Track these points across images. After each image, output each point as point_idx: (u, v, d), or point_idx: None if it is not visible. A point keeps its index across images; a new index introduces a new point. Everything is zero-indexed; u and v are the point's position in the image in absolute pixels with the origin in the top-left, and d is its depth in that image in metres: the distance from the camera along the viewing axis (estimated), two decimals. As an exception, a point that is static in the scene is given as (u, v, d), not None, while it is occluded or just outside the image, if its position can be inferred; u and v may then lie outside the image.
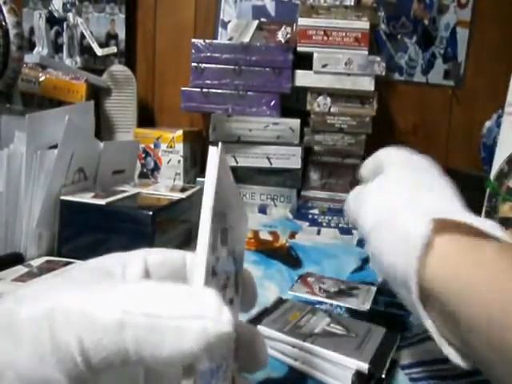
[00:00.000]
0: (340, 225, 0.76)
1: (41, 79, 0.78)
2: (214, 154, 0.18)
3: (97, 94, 0.88)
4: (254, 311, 0.39)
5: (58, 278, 0.18)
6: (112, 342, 0.14)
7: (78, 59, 0.92)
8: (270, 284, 0.48)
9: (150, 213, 0.48)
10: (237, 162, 0.80)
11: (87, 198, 0.49)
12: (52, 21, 0.90)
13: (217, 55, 0.78)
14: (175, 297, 0.15)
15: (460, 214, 0.26)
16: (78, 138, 0.49)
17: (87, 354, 0.14)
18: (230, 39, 0.87)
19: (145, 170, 0.83)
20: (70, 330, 0.15)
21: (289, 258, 0.57)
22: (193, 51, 0.79)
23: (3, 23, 0.59)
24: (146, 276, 0.19)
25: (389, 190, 0.32)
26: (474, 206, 0.61)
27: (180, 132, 0.82)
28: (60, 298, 0.15)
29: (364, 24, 0.80)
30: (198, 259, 0.17)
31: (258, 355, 0.21)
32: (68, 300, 0.15)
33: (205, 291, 0.16)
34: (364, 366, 0.30)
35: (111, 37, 0.97)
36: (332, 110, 0.82)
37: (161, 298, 0.15)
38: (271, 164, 0.81)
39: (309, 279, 0.49)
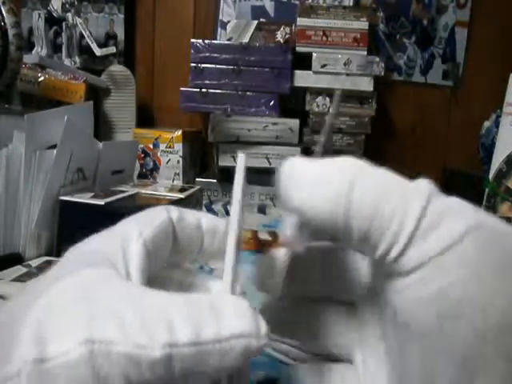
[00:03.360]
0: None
1: (40, 79, 0.77)
2: (242, 160, 0.21)
3: (96, 94, 0.88)
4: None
5: (61, 283, 0.16)
6: (160, 377, 0.14)
7: (77, 59, 0.92)
8: (269, 284, 0.48)
9: (149, 213, 0.48)
10: (236, 163, 0.80)
11: (86, 198, 0.49)
12: (51, 21, 0.90)
13: (216, 55, 0.78)
14: (213, 314, 0.15)
15: None
16: (77, 138, 0.49)
17: None
18: (229, 39, 0.87)
19: (144, 170, 0.83)
20: (115, 373, 0.14)
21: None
22: (192, 51, 0.79)
23: (2, 23, 0.59)
24: (148, 256, 0.18)
25: None
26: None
27: (179, 132, 0.82)
28: (93, 331, 0.14)
29: (363, 24, 0.80)
30: (226, 262, 0.18)
31: None
32: (103, 335, 0.14)
33: (238, 303, 0.16)
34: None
35: (110, 37, 0.97)
36: (331, 110, 0.82)
37: (199, 319, 0.15)
38: (270, 164, 0.81)
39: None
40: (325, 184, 0.16)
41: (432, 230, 0.15)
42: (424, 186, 0.16)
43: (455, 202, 0.16)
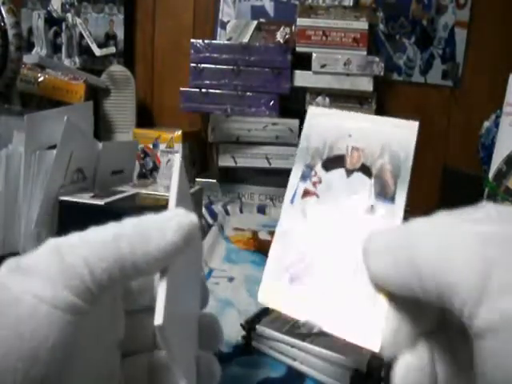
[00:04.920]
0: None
1: (40, 79, 0.77)
2: (177, 161, 0.22)
3: (95, 95, 0.88)
4: (253, 311, 0.39)
5: None
6: (111, 251, 0.18)
7: (77, 59, 0.92)
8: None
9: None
10: (236, 163, 0.80)
11: (86, 199, 0.49)
12: (51, 21, 0.90)
13: (216, 55, 0.79)
14: (154, 215, 0.20)
15: None
16: (77, 138, 0.49)
17: (91, 267, 0.17)
18: (229, 39, 0.87)
19: (143, 171, 0.83)
20: (75, 254, 0.18)
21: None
22: (192, 51, 0.79)
23: (2, 23, 0.59)
24: None
25: None
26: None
27: (179, 132, 0.82)
28: (60, 239, 0.18)
29: (363, 24, 0.80)
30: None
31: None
32: (68, 237, 0.19)
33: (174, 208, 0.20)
34: (362, 365, 0.30)
35: (110, 37, 0.97)
36: (331, 110, 0.82)
37: (143, 218, 0.19)
38: (270, 164, 0.81)
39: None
40: (389, 254, 0.18)
41: (501, 289, 0.14)
42: (483, 234, 0.15)
43: None
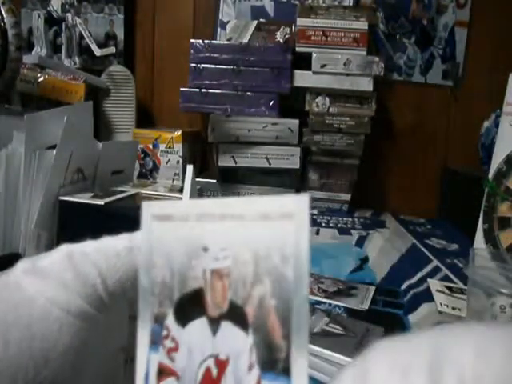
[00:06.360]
0: (339, 225, 0.76)
1: (39, 80, 0.77)
2: (190, 171, 0.22)
3: (95, 95, 0.88)
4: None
5: None
6: (124, 263, 0.18)
7: (77, 59, 0.92)
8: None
9: (149, 213, 0.48)
10: (235, 163, 0.80)
11: (86, 199, 0.49)
12: (51, 21, 0.90)
13: (216, 55, 0.79)
14: None
15: None
16: (77, 138, 0.49)
17: (104, 276, 0.18)
18: (229, 39, 0.87)
19: (144, 171, 0.83)
20: (89, 262, 0.18)
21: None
22: (192, 51, 0.79)
23: (2, 23, 0.59)
24: None
25: None
26: (473, 206, 0.61)
27: (179, 132, 0.82)
28: (74, 246, 0.19)
29: (362, 24, 0.80)
30: None
31: None
32: (82, 245, 0.19)
33: None
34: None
35: (110, 37, 0.97)
36: (331, 110, 0.82)
37: None
38: (270, 164, 0.81)
39: (307, 279, 0.49)
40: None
41: None
42: None
43: None
